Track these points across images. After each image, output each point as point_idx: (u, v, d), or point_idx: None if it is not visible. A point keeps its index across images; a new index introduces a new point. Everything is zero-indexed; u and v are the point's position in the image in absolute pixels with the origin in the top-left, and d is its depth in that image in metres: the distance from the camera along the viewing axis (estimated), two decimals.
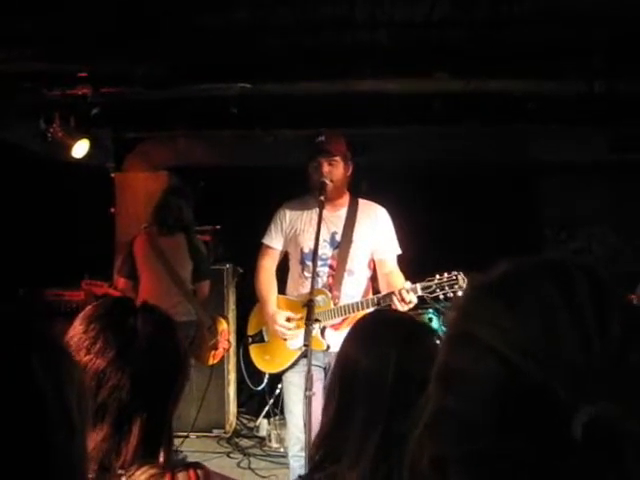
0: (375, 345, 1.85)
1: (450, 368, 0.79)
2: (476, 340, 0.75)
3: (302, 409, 3.54)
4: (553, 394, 0.68)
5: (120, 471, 1.53)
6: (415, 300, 3.86)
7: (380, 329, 1.93)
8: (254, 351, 4.39)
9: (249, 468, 5.94)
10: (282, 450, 6.00)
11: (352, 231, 4.15)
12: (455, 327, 0.81)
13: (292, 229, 4.22)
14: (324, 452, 1.84)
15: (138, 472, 1.53)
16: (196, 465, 1.61)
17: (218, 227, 6.87)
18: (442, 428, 0.77)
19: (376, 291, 4.19)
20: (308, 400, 3.42)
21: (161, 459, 1.61)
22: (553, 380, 0.68)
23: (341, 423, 1.81)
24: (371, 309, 3.96)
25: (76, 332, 1.63)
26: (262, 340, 4.31)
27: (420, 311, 5.99)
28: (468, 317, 0.79)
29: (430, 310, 6.05)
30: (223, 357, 6.10)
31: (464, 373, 0.75)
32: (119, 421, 1.56)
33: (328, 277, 4.11)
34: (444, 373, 0.80)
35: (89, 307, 1.71)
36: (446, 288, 3.84)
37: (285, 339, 4.14)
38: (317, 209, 4.03)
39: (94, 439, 1.53)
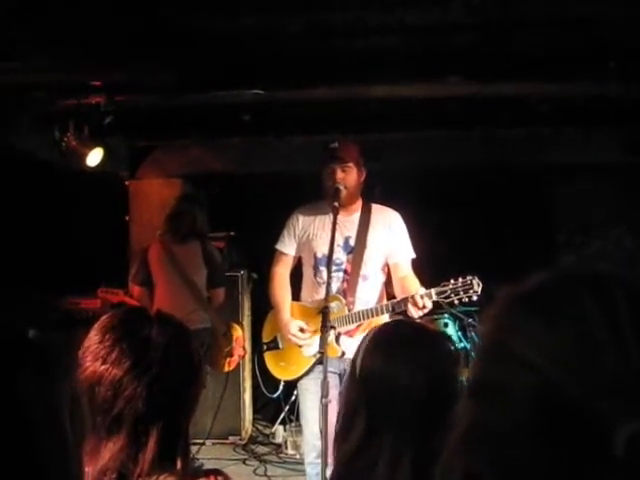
0: (400, 361, 1.83)
1: (486, 381, 0.77)
2: (513, 353, 0.74)
3: (318, 416, 3.53)
4: (592, 409, 0.67)
5: (139, 479, 1.54)
6: (430, 305, 3.85)
7: (401, 340, 1.92)
8: (269, 358, 4.39)
9: (265, 475, 5.94)
10: (298, 457, 5.99)
11: (366, 236, 4.14)
12: (490, 339, 0.79)
13: (305, 234, 4.22)
14: (354, 467, 1.82)
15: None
16: (216, 472, 1.62)
17: (232, 233, 6.88)
18: (477, 442, 0.76)
19: (390, 296, 4.17)
20: (324, 407, 3.41)
21: (178, 467, 1.61)
22: (592, 395, 0.67)
23: (372, 439, 1.80)
24: (386, 315, 3.95)
25: (92, 342, 1.64)
26: (277, 347, 4.31)
27: (435, 316, 5.98)
28: (503, 329, 0.78)
29: (445, 315, 6.03)
30: (239, 364, 6.09)
31: (500, 386, 0.74)
32: (136, 430, 1.56)
33: (342, 282, 4.10)
34: (479, 386, 0.79)
35: (104, 317, 1.72)
36: (461, 293, 3.82)
37: (300, 346, 4.13)
38: (330, 214, 4.03)
39: (111, 449, 1.54)
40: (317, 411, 3.56)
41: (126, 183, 7.09)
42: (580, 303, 0.73)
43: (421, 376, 1.79)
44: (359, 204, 4.23)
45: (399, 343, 1.92)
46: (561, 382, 0.69)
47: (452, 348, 1.96)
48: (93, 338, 1.65)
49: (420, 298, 3.79)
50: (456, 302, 3.89)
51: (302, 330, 4.11)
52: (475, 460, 0.75)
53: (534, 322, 0.74)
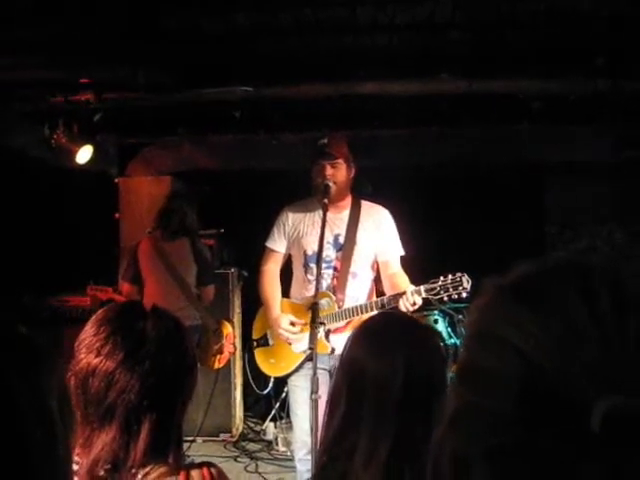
0: (383, 349, 1.85)
1: (473, 366, 0.80)
2: (499, 340, 0.76)
3: (308, 412, 3.54)
4: (573, 391, 0.70)
5: (133, 470, 1.56)
6: (420, 302, 3.86)
7: (387, 333, 1.93)
8: (259, 355, 4.39)
9: (256, 472, 5.94)
10: (289, 453, 6.00)
11: (355, 233, 4.14)
12: (478, 327, 0.82)
13: (295, 231, 4.22)
14: (333, 454, 1.85)
15: (151, 470, 1.56)
16: (209, 464, 1.64)
17: (222, 231, 6.87)
18: (465, 424, 0.78)
19: (380, 293, 4.18)
20: (314, 404, 3.41)
21: (171, 459, 1.63)
22: (573, 378, 0.70)
23: (351, 426, 1.82)
24: (375, 312, 3.95)
25: (87, 335, 1.66)
26: (267, 344, 4.31)
27: (425, 313, 5.99)
28: (490, 317, 0.80)
29: (435, 312, 6.04)
30: (229, 361, 6.10)
31: (486, 371, 0.77)
32: (128, 422, 1.58)
33: (332, 279, 4.10)
34: (467, 371, 0.81)
35: (101, 310, 1.75)
36: (450, 290, 3.83)
37: (289, 343, 4.14)
38: (320, 211, 4.03)
39: (103, 439, 1.57)
40: (307, 407, 3.56)
41: (116, 180, 7.07)
42: (564, 291, 0.76)
43: (399, 367, 1.80)
44: (349, 201, 4.23)
45: (381, 333, 1.94)
46: (545, 367, 0.72)
47: (441, 344, 1.96)
48: (88, 331, 1.67)
49: (410, 295, 3.80)
50: (446, 299, 3.90)
51: (293, 324, 4.11)
52: (463, 444, 0.77)
53: (519, 310, 0.77)
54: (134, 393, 1.58)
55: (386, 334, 1.93)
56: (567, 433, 0.69)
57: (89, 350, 1.62)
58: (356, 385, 1.85)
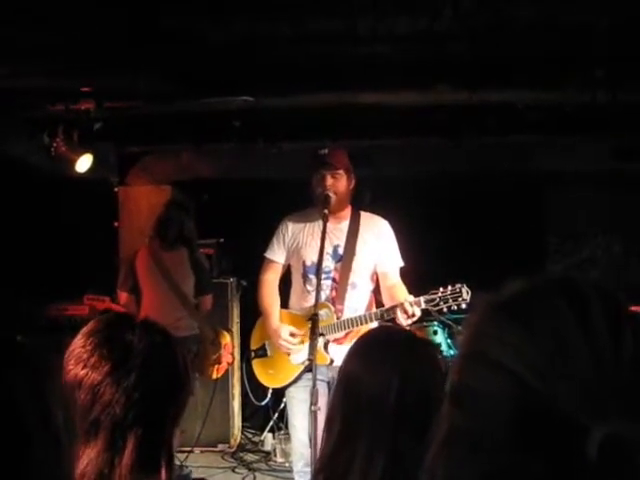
0: (377, 365, 1.82)
1: (463, 387, 0.79)
2: (489, 359, 0.75)
3: (306, 424, 3.52)
4: (566, 413, 0.68)
5: None
6: (419, 313, 3.86)
7: (383, 347, 1.90)
8: (257, 365, 4.38)
9: None
10: (287, 465, 5.97)
11: (355, 244, 4.14)
12: (468, 346, 0.81)
13: (294, 242, 4.22)
14: (330, 471, 1.81)
15: None
16: None
17: (222, 240, 6.86)
18: (456, 447, 0.77)
19: (379, 304, 4.17)
20: (313, 415, 3.40)
21: (163, 476, 1.60)
22: (566, 399, 0.69)
23: (346, 443, 1.78)
24: (374, 323, 3.95)
25: (76, 346, 1.65)
26: (265, 354, 4.30)
27: (425, 324, 5.97)
28: (481, 336, 0.79)
29: (435, 322, 6.02)
30: (227, 371, 6.08)
31: (477, 392, 0.75)
32: (113, 437, 1.55)
33: (331, 290, 4.10)
34: (457, 392, 0.80)
35: (91, 322, 1.73)
36: (450, 301, 3.83)
37: (289, 354, 4.12)
38: (319, 222, 4.03)
39: (88, 454, 1.53)
40: (305, 419, 3.55)
41: (115, 189, 7.07)
42: (555, 310, 0.75)
43: (393, 383, 1.77)
44: (348, 211, 4.23)
45: (377, 348, 1.91)
46: (537, 388, 0.70)
47: (440, 358, 1.93)
48: (77, 342, 1.65)
49: (409, 306, 3.80)
50: (445, 310, 3.89)
51: (293, 335, 4.10)
52: (455, 465, 0.76)
53: (511, 329, 0.76)
54: (119, 407, 1.55)
55: (382, 348, 1.90)
56: (561, 456, 0.68)
57: (77, 362, 1.60)
58: (352, 401, 1.81)
